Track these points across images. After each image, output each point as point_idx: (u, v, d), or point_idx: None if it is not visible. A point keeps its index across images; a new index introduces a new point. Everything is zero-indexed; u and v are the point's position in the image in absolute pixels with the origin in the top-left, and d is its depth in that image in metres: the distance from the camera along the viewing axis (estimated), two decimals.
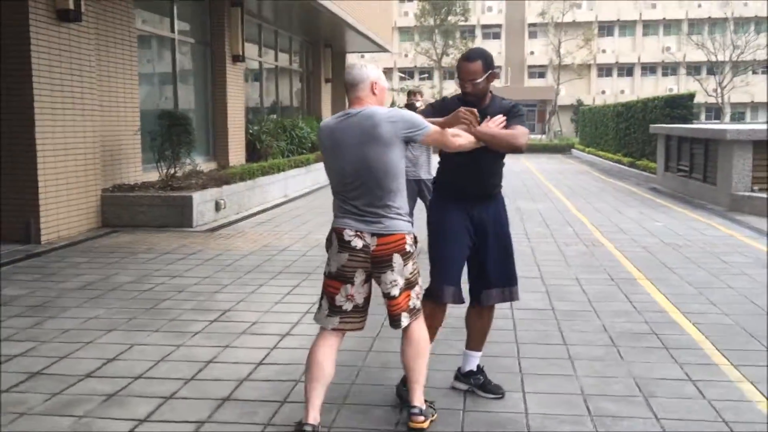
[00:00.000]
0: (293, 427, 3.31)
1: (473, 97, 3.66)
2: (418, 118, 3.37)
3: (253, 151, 15.09)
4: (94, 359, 4.34)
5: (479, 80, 3.60)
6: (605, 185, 16.23)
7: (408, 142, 3.34)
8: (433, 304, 3.72)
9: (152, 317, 5.26)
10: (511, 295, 3.86)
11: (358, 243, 3.26)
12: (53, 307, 5.51)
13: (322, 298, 3.39)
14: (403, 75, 56.17)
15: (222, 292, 6.06)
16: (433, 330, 3.73)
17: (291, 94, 20.14)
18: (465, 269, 3.79)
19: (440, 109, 3.70)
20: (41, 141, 8.20)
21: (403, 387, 3.66)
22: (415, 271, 3.37)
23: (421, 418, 3.35)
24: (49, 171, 8.36)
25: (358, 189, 3.28)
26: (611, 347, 4.61)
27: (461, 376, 3.93)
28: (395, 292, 3.29)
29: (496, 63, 46.39)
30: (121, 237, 8.77)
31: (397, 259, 3.27)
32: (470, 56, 3.66)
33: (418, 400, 3.38)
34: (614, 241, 8.55)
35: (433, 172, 7.75)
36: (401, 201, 3.31)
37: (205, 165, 12.86)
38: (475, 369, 3.90)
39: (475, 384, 3.86)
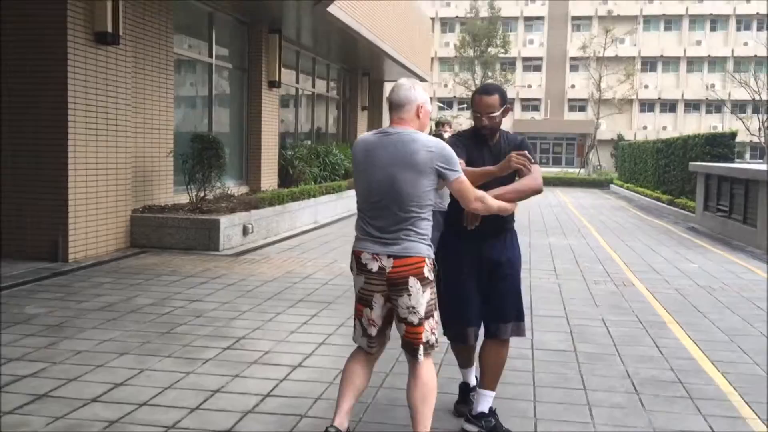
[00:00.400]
0: None
1: (488, 130, 3.71)
2: (456, 159, 3.27)
3: (285, 177, 15.18)
4: (102, 383, 4.29)
5: (495, 114, 3.66)
6: (641, 222, 15.91)
7: (440, 176, 3.25)
8: (460, 345, 3.91)
9: (166, 342, 5.22)
10: (521, 330, 3.84)
11: (374, 266, 3.23)
12: (70, 328, 5.51)
13: (355, 319, 3.43)
14: (441, 105, 56.28)
15: (239, 318, 6.01)
16: (469, 359, 4.03)
17: (327, 120, 20.27)
18: None
19: (463, 149, 3.68)
20: (73, 160, 8.31)
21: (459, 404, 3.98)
22: (433, 301, 3.28)
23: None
24: (79, 190, 8.46)
25: (381, 209, 3.24)
26: (633, 395, 4.42)
27: (472, 417, 3.79)
28: (413, 319, 3.22)
29: (537, 96, 46.46)
30: (148, 258, 8.81)
31: (413, 283, 3.19)
32: (488, 90, 3.73)
33: None
34: (645, 282, 8.31)
35: (446, 203, 7.67)
36: (425, 227, 3.25)
37: (237, 189, 12.95)
38: (486, 411, 3.76)
39: (486, 427, 3.72)
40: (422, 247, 3.24)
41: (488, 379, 3.82)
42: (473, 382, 4.06)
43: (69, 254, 8.33)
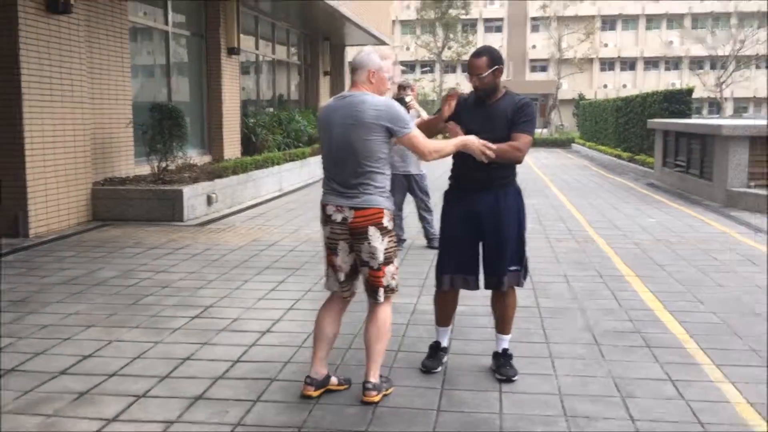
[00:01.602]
0: (267, 428, 3.31)
1: (481, 91, 3.93)
2: (405, 117, 3.58)
3: (249, 145, 15.04)
4: (70, 356, 4.30)
5: (484, 74, 3.85)
6: (603, 180, 16.16)
7: (390, 133, 3.54)
8: (437, 291, 4.14)
9: (133, 313, 5.22)
10: (500, 284, 4.04)
11: (337, 216, 3.58)
12: (34, 302, 5.48)
13: (327, 267, 3.75)
14: (404, 68, 55.96)
15: (206, 287, 6.02)
16: (448, 314, 4.20)
17: (289, 87, 20.06)
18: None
19: (458, 109, 3.99)
20: (29, 134, 8.16)
21: (427, 359, 4.10)
22: (392, 248, 3.62)
23: (374, 392, 3.61)
24: (37, 164, 8.32)
25: (340, 165, 3.57)
26: (593, 346, 4.57)
27: (493, 355, 4.16)
28: (374, 263, 3.57)
29: None
30: (111, 231, 8.73)
31: (373, 231, 3.53)
32: (478, 52, 3.96)
33: (374, 376, 3.63)
34: (606, 238, 8.50)
35: (422, 167, 7.73)
36: (381, 180, 3.56)
37: (199, 158, 12.82)
38: (500, 351, 4.10)
39: (494, 365, 4.07)
40: (380, 199, 3.57)
41: (498, 325, 4.16)
42: (445, 343, 4.20)
43: (30, 229, 8.21)
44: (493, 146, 3.71)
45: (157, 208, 9.49)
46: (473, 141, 3.72)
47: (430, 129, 4.07)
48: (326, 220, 3.65)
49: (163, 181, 9.95)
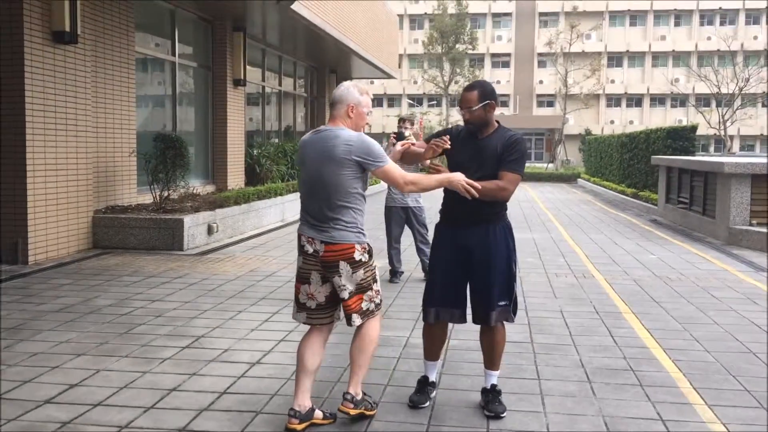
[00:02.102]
0: None
1: (471, 124, 3.95)
2: (379, 151, 3.62)
3: (253, 175, 15.12)
4: (57, 384, 4.28)
5: (474, 108, 3.88)
6: (605, 216, 16.13)
7: (363, 168, 3.59)
8: (425, 324, 4.14)
9: (124, 342, 5.20)
10: (487, 319, 4.00)
11: (309, 248, 3.66)
12: (26, 330, 5.47)
13: (295, 297, 3.80)
14: (411, 102, 56.42)
15: (200, 317, 6.00)
16: (435, 348, 4.15)
17: (294, 118, 20.22)
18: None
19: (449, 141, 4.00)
20: (31, 161, 8.22)
21: (415, 394, 4.06)
22: (368, 278, 3.66)
23: (351, 405, 3.69)
24: (39, 191, 8.37)
25: (312, 199, 3.65)
26: (585, 383, 4.52)
27: (481, 391, 4.12)
28: (344, 295, 3.62)
29: (506, 91, 46.31)
30: (110, 259, 8.75)
31: (343, 266, 3.58)
32: (469, 86, 4.00)
33: (353, 388, 3.73)
34: (605, 274, 8.45)
35: (421, 200, 7.74)
36: (352, 216, 3.61)
37: (203, 188, 12.90)
38: (488, 387, 4.06)
39: (483, 401, 4.03)
40: (349, 235, 3.61)
41: (486, 360, 4.13)
42: (433, 377, 4.16)
43: (29, 256, 8.24)
44: (478, 185, 3.70)
45: (157, 237, 9.52)
46: (458, 178, 3.72)
47: (412, 158, 4.13)
48: (300, 249, 3.72)
49: (165, 210, 9.99)
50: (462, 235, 3.96)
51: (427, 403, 4.04)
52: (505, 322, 4.06)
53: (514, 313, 4.07)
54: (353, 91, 3.69)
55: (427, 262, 7.67)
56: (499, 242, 3.95)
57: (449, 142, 3.93)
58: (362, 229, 3.68)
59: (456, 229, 3.99)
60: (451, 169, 3.90)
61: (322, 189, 3.58)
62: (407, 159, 4.16)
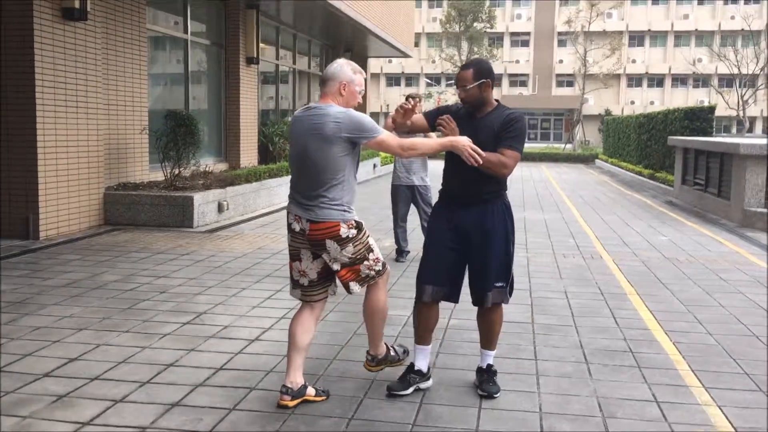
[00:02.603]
0: None
1: (467, 103, 3.90)
2: (369, 123, 3.58)
3: (266, 153, 15.15)
4: (56, 358, 4.33)
5: (469, 87, 3.83)
6: (620, 197, 15.99)
7: (354, 143, 3.57)
8: (418, 302, 4.00)
9: (126, 317, 5.26)
10: (483, 300, 3.96)
11: (296, 226, 3.66)
12: (31, 304, 5.54)
13: (290, 274, 3.82)
14: (429, 81, 56.06)
15: (203, 294, 6.05)
16: (427, 330, 4.03)
17: (309, 96, 20.18)
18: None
19: (436, 115, 3.97)
20: (42, 138, 8.28)
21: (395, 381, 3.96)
22: (360, 250, 3.64)
23: (373, 363, 3.96)
24: (50, 168, 8.44)
25: (300, 177, 3.66)
26: (582, 364, 4.50)
27: (476, 370, 4.11)
28: (336, 267, 3.66)
29: (525, 71, 45.80)
30: (120, 236, 8.82)
31: (330, 244, 3.59)
32: (466, 65, 3.94)
33: (373, 349, 3.92)
34: (614, 255, 8.39)
35: (427, 179, 7.70)
36: (337, 193, 3.58)
37: (216, 166, 12.93)
38: (484, 367, 4.04)
39: (477, 381, 4.03)
40: (334, 213, 3.58)
41: (482, 340, 4.10)
42: (420, 365, 3.96)
43: (40, 232, 8.33)
44: (483, 153, 3.65)
45: (167, 214, 9.58)
46: (462, 142, 3.65)
47: (402, 125, 4.03)
48: (288, 227, 3.73)
49: (175, 187, 10.05)
50: (461, 214, 3.90)
51: (407, 391, 3.87)
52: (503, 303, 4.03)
53: (510, 294, 4.04)
54: (346, 68, 3.65)
55: None
56: (497, 222, 3.89)
57: (418, 106, 3.93)
58: (348, 207, 3.64)
59: (455, 207, 3.93)
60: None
61: (311, 166, 3.56)
62: (400, 126, 4.03)
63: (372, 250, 3.71)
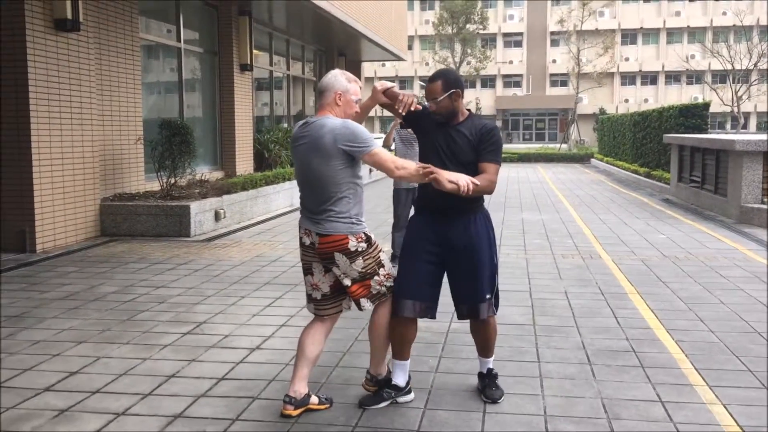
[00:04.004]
0: None
1: (440, 115, 3.82)
2: (364, 134, 3.53)
3: (261, 161, 15.13)
4: (57, 372, 4.30)
5: (440, 98, 3.76)
6: (617, 196, 16.00)
7: (352, 156, 3.52)
8: (396, 318, 3.81)
9: (125, 329, 5.23)
10: (477, 312, 3.87)
11: (306, 240, 3.66)
12: (30, 318, 5.51)
13: (306, 288, 3.82)
14: (423, 84, 56.08)
15: (203, 303, 6.02)
16: (405, 344, 3.88)
17: (304, 102, 20.17)
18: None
19: (415, 116, 3.89)
20: (37, 150, 8.25)
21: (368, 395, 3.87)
22: (371, 264, 3.62)
23: (371, 383, 3.86)
24: (45, 180, 8.41)
25: (307, 191, 3.66)
26: (585, 365, 4.48)
27: (478, 375, 4.10)
28: (347, 282, 3.62)
29: (518, 72, 45.94)
30: (117, 247, 8.79)
31: (339, 257, 3.57)
32: (432, 77, 3.85)
33: (374, 369, 3.86)
34: (613, 254, 8.39)
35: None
36: (344, 206, 3.56)
37: (212, 174, 12.91)
38: (485, 372, 4.03)
39: (480, 386, 4.02)
40: (341, 226, 3.56)
41: (479, 350, 4.08)
42: (397, 381, 3.85)
43: (36, 244, 8.29)
44: (477, 182, 3.54)
45: (164, 224, 9.55)
46: (465, 179, 3.48)
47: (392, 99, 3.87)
48: (300, 241, 3.74)
49: (172, 197, 10.02)
50: (445, 226, 3.79)
51: (379, 405, 3.77)
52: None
53: (496, 307, 3.95)
54: (341, 78, 3.64)
55: None
56: (480, 233, 3.81)
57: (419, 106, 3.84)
58: (357, 219, 3.59)
59: (435, 221, 3.81)
60: (424, 151, 3.84)
61: (314, 180, 3.55)
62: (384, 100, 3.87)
63: (383, 265, 3.68)
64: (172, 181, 10.28)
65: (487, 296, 3.84)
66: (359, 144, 3.50)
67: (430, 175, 3.47)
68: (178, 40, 12.43)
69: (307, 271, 3.72)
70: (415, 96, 3.90)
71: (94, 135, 9.35)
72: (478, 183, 3.57)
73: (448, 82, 3.75)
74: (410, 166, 3.58)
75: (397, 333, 3.82)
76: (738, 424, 3.60)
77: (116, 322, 5.40)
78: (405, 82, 59.47)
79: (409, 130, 3.86)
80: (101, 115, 9.61)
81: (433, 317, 3.89)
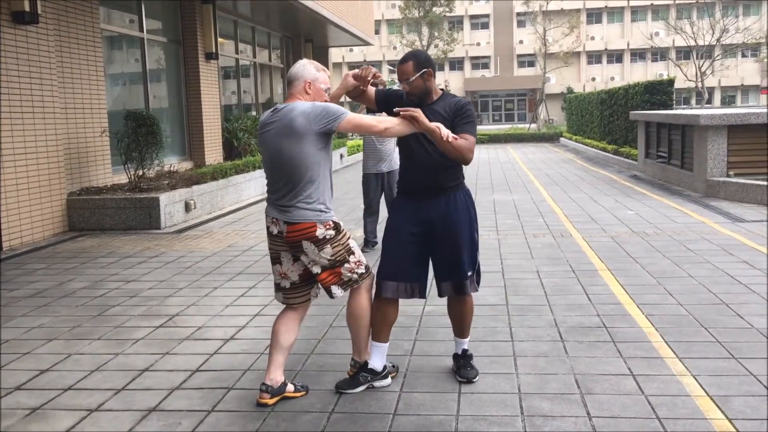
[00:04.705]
0: None
1: (413, 95, 3.84)
2: (333, 107, 3.55)
3: (231, 150, 15.00)
4: (28, 371, 4.24)
5: (412, 78, 3.78)
6: (586, 174, 16.15)
7: (328, 133, 3.54)
8: (378, 299, 3.88)
9: (97, 324, 5.17)
10: (459, 289, 3.93)
11: (274, 229, 3.64)
12: None
13: (274, 278, 3.81)
14: (391, 68, 55.93)
15: (175, 296, 5.97)
16: (385, 326, 3.92)
17: (272, 89, 20.01)
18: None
19: (385, 98, 3.96)
20: None
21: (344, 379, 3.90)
22: (340, 251, 3.61)
23: (356, 370, 3.82)
24: (8, 176, 8.25)
25: (275, 179, 3.62)
26: (558, 342, 4.53)
27: (453, 357, 4.14)
28: (316, 270, 3.63)
29: (486, 53, 46.04)
30: (86, 241, 8.67)
31: (307, 245, 3.55)
32: (403, 58, 3.86)
33: (357, 356, 3.84)
34: (583, 232, 8.47)
35: (395, 165, 7.63)
36: (312, 193, 3.54)
37: (181, 165, 12.77)
38: (459, 353, 4.06)
39: (455, 367, 4.04)
40: (309, 214, 3.55)
41: (456, 330, 4.11)
42: (374, 364, 3.84)
43: (3, 242, 8.15)
44: (455, 136, 3.58)
45: (133, 217, 9.44)
46: (440, 126, 3.57)
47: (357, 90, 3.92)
48: (267, 231, 3.71)
49: (140, 189, 9.89)
50: (427, 205, 3.83)
51: (356, 390, 3.78)
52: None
53: (478, 283, 4.01)
54: (309, 67, 3.64)
55: None
56: (461, 211, 3.85)
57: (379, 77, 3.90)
58: (325, 207, 3.59)
59: (417, 200, 3.85)
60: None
61: (284, 166, 3.52)
62: (354, 88, 3.90)
63: (353, 253, 3.67)
64: (140, 173, 10.15)
65: (469, 273, 3.89)
66: (333, 116, 3.48)
67: (411, 117, 3.55)
68: (141, 30, 12.23)
69: (276, 260, 3.71)
70: (374, 68, 3.93)
71: (58, 128, 9.20)
72: (456, 137, 3.59)
73: (419, 62, 3.77)
74: (391, 119, 3.65)
75: (379, 314, 3.87)
76: (708, 394, 3.67)
77: (87, 318, 5.33)
78: (373, 66, 59.16)
79: (383, 114, 3.83)
80: (64, 108, 9.45)
81: (422, 296, 3.93)
